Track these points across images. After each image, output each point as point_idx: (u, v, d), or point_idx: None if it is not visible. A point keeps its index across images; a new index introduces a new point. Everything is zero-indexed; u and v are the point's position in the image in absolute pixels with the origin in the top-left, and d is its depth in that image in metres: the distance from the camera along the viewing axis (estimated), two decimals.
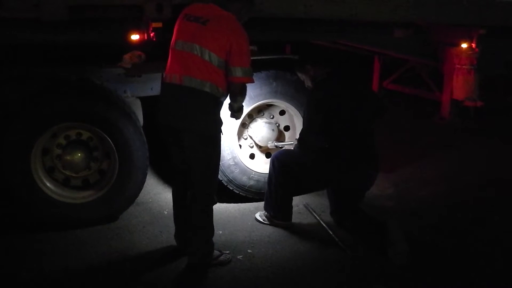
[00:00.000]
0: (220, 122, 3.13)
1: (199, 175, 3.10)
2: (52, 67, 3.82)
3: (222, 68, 3.00)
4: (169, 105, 3.10)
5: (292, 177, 3.68)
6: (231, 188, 4.12)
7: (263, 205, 3.91)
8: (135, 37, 3.88)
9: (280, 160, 3.71)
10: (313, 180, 3.71)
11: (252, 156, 4.33)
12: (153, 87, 3.93)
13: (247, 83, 3.13)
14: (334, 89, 3.56)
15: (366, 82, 3.76)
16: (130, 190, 3.74)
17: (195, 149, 3.06)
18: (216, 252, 3.25)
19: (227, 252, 3.34)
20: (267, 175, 3.92)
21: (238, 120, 3.62)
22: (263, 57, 4.15)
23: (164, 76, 3.15)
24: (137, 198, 3.86)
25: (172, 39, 3.11)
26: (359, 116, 3.54)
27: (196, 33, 2.98)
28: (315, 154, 3.55)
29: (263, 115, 4.26)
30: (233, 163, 4.07)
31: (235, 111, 3.33)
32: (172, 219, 3.36)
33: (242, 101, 3.27)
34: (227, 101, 3.22)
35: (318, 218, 3.91)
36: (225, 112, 3.29)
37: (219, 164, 3.26)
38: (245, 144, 4.32)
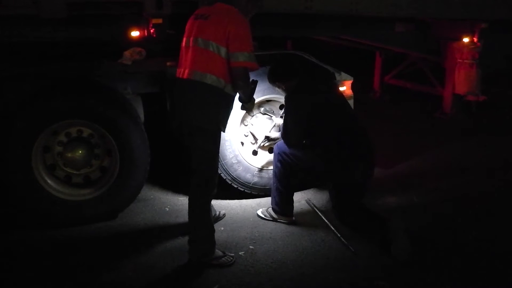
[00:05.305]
0: (223, 116, 3.11)
1: (197, 167, 3.10)
2: (52, 65, 3.81)
3: (227, 57, 3.01)
4: (177, 100, 3.15)
5: (291, 168, 3.66)
6: (235, 186, 4.11)
7: (265, 201, 3.89)
8: (135, 33, 3.88)
9: (280, 150, 3.70)
10: (311, 173, 3.72)
11: (255, 153, 4.32)
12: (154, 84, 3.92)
13: (250, 68, 3.08)
14: (309, 92, 3.59)
15: (332, 82, 3.81)
16: (132, 187, 3.74)
17: (193, 140, 3.07)
18: (218, 253, 3.22)
19: (232, 254, 3.27)
20: (271, 171, 3.91)
21: (242, 114, 3.60)
22: (263, 53, 4.13)
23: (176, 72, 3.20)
24: (139, 195, 3.85)
25: (182, 39, 3.17)
26: (341, 110, 3.57)
27: (199, 28, 3.05)
28: (310, 151, 3.56)
29: (262, 110, 4.24)
30: (236, 161, 4.05)
31: (245, 102, 3.33)
32: (174, 216, 3.35)
33: (247, 89, 3.21)
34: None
35: (320, 214, 3.90)
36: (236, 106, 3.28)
37: (217, 159, 3.22)
38: (247, 141, 4.30)
